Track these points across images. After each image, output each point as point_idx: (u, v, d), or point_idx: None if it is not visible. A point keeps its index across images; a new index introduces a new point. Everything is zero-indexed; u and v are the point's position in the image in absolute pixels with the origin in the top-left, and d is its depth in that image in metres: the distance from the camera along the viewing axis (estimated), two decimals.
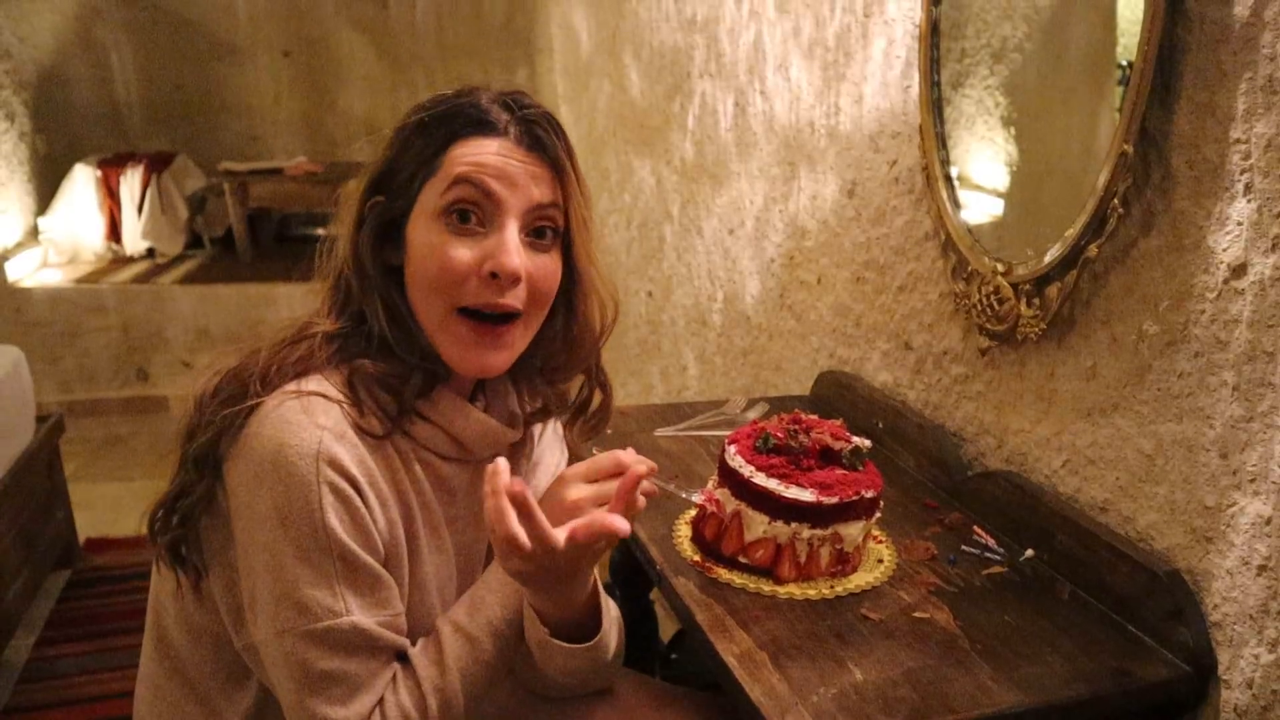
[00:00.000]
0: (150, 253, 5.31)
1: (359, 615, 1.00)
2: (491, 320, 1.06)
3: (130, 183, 5.13)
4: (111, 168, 5.16)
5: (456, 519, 1.17)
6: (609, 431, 1.79)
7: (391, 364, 1.08)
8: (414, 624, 1.11)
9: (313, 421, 0.99)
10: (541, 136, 1.07)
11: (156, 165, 5.21)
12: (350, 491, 1.00)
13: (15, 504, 2.68)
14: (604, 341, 1.21)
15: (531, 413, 1.23)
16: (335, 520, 0.99)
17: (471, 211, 1.04)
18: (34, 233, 5.15)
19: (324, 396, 1.02)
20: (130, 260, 5.27)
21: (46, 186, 5.24)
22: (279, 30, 5.76)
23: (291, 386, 1.02)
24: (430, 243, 1.04)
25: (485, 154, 1.04)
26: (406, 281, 1.08)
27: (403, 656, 1.07)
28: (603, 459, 1.11)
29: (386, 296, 1.08)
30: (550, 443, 1.30)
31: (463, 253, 1.03)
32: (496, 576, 1.12)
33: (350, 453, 1.01)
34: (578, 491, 1.09)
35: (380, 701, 1.03)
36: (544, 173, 1.07)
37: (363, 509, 1.01)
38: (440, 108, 1.08)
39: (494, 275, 1.03)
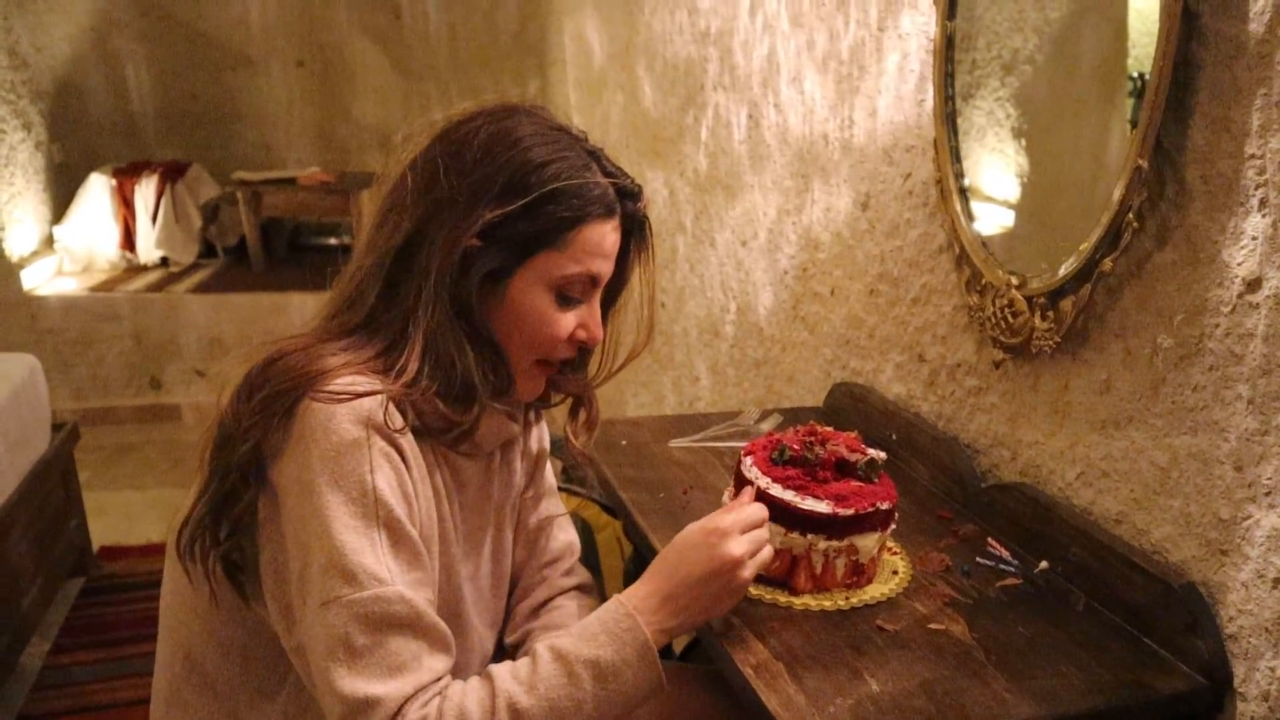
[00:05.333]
0: (164, 261, 5.34)
1: (404, 588, 1.01)
2: (555, 364, 1.21)
3: (145, 192, 5.17)
4: (126, 177, 5.20)
5: (465, 508, 1.22)
6: (624, 443, 1.81)
7: (457, 407, 1.11)
8: (440, 608, 1.13)
9: (365, 394, 1.03)
10: (644, 229, 1.21)
11: (171, 174, 5.25)
12: (398, 459, 1.04)
13: (31, 511, 2.70)
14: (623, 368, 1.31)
15: (529, 404, 1.31)
16: (384, 484, 1.01)
17: (580, 289, 1.16)
18: (49, 241, 5.19)
19: (370, 393, 1.05)
20: (144, 269, 5.30)
21: (62, 195, 5.28)
22: (292, 40, 5.79)
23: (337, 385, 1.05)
24: (541, 311, 1.13)
25: (606, 242, 1.14)
26: (492, 326, 1.14)
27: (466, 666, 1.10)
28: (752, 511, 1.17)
29: (489, 347, 1.13)
30: (536, 432, 1.38)
31: (567, 323, 1.15)
32: (614, 617, 1.07)
33: (397, 425, 1.05)
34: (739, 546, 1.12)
35: (439, 693, 1.00)
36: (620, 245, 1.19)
37: (408, 479, 1.05)
38: (572, 180, 1.10)
39: (580, 341, 1.18)
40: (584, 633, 1.06)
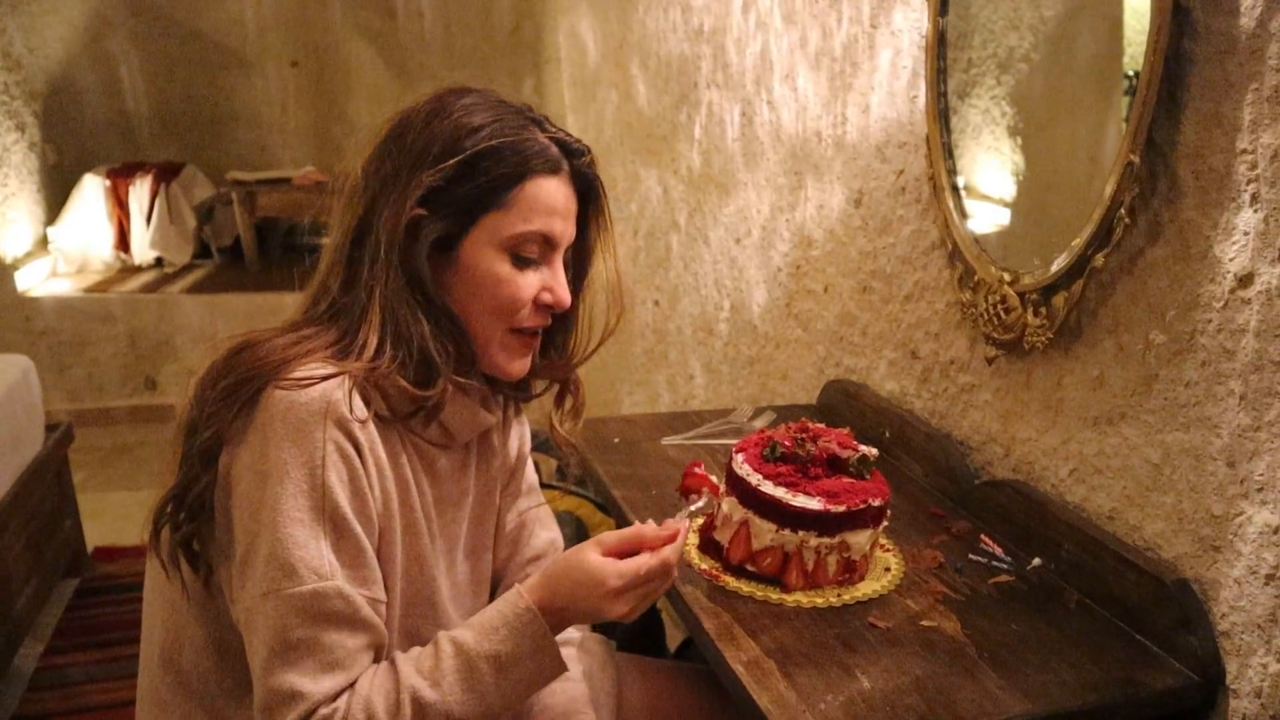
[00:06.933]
0: (158, 262, 5.33)
1: (344, 583, 1.01)
2: (531, 334, 1.18)
3: (139, 192, 5.16)
4: (120, 178, 5.19)
5: (439, 500, 1.21)
6: (616, 440, 1.80)
7: (419, 383, 1.10)
8: (412, 597, 1.15)
9: (325, 384, 1.03)
10: (595, 189, 1.20)
11: (165, 175, 5.24)
12: (353, 454, 1.04)
13: (24, 513, 2.70)
14: (600, 345, 1.29)
15: (507, 396, 1.29)
16: (335, 479, 1.01)
17: (535, 250, 1.14)
18: (43, 242, 5.18)
19: (333, 375, 1.05)
20: (139, 270, 5.29)
21: (56, 196, 5.27)
22: (287, 41, 5.79)
23: (300, 373, 1.04)
24: (496, 273, 1.12)
25: (554, 199, 1.13)
26: (452, 297, 1.13)
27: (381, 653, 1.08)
28: (628, 535, 1.11)
29: (445, 317, 1.12)
30: (518, 430, 1.36)
31: (527, 285, 1.13)
32: (514, 610, 1.07)
33: (357, 417, 1.04)
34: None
35: (351, 688, 1.01)
36: (577, 209, 1.18)
37: (362, 474, 1.05)
38: (508, 137, 1.10)
39: (547, 305, 1.15)
40: (485, 625, 1.07)
